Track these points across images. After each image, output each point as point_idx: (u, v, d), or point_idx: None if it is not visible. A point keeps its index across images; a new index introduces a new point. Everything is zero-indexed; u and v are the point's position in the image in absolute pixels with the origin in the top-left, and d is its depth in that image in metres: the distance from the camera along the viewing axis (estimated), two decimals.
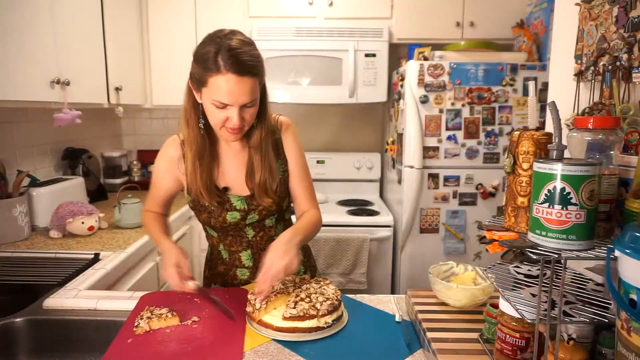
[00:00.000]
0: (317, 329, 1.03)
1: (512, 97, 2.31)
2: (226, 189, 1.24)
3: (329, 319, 1.05)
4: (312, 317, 1.03)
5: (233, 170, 1.25)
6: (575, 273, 0.96)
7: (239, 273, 1.32)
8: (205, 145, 1.19)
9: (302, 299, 1.07)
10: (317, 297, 1.07)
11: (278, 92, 2.68)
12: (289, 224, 1.36)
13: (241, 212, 1.24)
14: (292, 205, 1.35)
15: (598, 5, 1.13)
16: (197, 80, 1.08)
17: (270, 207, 1.24)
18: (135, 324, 1.05)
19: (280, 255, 1.06)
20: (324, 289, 1.13)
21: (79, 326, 1.16)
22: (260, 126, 1.18)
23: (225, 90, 1.04)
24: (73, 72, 1.87)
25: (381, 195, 3.05)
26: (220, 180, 1.24)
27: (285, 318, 1.03)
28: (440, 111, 2.32)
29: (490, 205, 2.40)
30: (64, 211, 1.82)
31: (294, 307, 1.04)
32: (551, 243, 0.73)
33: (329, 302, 1.06)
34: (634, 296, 0.63)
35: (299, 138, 1.31)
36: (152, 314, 1.07)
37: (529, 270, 0.95)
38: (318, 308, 1.04)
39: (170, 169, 1.27)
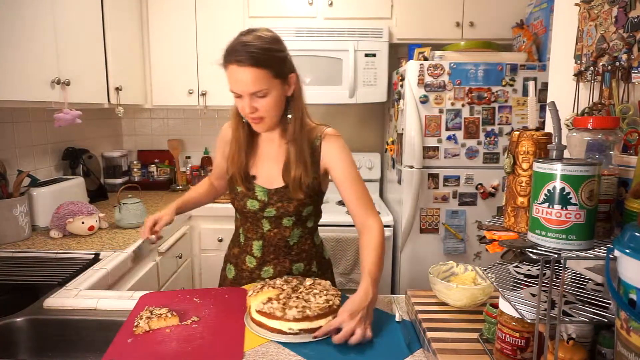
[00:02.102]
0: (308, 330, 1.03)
1: (512, 97, 2.31)
2: (254, 177, 1.31)
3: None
4: (307, 318, 1.03)
5: (268, 162, 1.31)
6: (575, 273, 0.96)
7: (247, 260, 1.36)
8: (244, 133, 1.29)
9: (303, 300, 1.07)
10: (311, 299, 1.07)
11: None
12: (307, 232, 1.35)
13: (261, 202, 1.30)
14: (314, 216, 1.36)
15: (598, 5, 1.14)
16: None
17: (288, 207, 1.28)
18: (135, 324, 1.05)
19: (356, 320, 1.01)
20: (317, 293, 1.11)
21: (79, 326, 1.16)
22: (295, 120, 1.25)
23: (231, 80, 1.15)
24: (73, 72, 1.87)
25: (381, 195, 3.05)
26: (252, 169, 1.32)
27: (296, 319, 1.02)
28: (440, 111, 2.32)
29: (490, 205, 2.40)
30: (64, 211, 1.82)
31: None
32: (551, 243, 0.73)
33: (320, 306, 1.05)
34: (633, 296, 0.63)
35: (348, 150, 1.30)
36: (151, 314, 1.07)
37: (528, 270, 0.95)
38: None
39: (221, 148, 1.41)
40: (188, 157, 3.17)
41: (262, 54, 1.13)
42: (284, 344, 1.00)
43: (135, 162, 3.00)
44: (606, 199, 0.81)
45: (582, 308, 0.79)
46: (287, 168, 1.27)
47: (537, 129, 0.87)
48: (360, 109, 3.11)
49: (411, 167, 2.35)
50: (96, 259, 1.56)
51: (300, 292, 1.11)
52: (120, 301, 1.22)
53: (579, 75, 1.21)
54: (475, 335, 0.95)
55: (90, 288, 1.33)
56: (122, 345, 0.99)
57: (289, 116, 1.24)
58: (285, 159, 1.28)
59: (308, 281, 1.18)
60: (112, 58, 2.27)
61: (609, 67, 1.08)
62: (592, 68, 1.15)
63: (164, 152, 3.10)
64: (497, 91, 2.30)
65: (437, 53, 2.39)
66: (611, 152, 0.85)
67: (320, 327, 1.03)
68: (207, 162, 3.10)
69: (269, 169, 1.31)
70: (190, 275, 2.50)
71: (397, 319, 1.12)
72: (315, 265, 1.39)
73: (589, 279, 0.92)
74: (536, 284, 0.85)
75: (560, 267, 0.78)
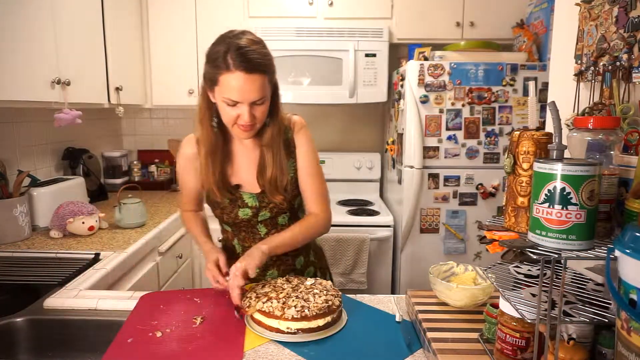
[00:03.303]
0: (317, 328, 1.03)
1: (512, 97, 2.31)
2: (238, 186, 1.26)
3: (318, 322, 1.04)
4: (307, 318, 1.03)
5: (245, 167, 1.27)
6: (575, 273, 0.96)
7: None
8: (217, 143, 1.22)
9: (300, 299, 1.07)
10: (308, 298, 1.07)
11: None
12: None
13: (252, 209, 1.26)
14: (302, 204, 1.36)
15: (598, 5, 1.14)
16: (210, 80, 1.12)
17: (281, 204, 1.25)
18: (247, 304, 1.07)
19: (242, 260, 1.15)
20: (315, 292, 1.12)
21: (79, 326, 1.16)
22: (272, 124, 1.21)
23: (235, 88, 1.07)
24: (73, 72, 1.87)
25: (381, 195, 3.05)
26: (233, 178, 1.27)
27: (295, 318, 1.03)
28: (441, 111, 2.32)
29: (491, 205, 2.40)
30: (65, 211, 1.82)
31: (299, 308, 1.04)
32: (551, 243, 0.73)
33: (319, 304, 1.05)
34: (633, 296, 0.63)
35: (313, 139, 1.32)
36: (256, 294, 1.10)
37: (529, 270, 0.95)
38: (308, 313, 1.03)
39: (190, 166, 1.30)
40: None
41: (266, 60, 1.10)
42: (284, 344, 1.00)
43: (135, 162, 3.00)
44: (607, 199, 0.81)
45: (583, 308, 0.79)
46: (262, 172, 1.23)
47: (538, 129, 0.86)
48: (360, 109, 3.11)
49: (411, 167, 2.35)
50: (96, 259, 1.56)
51: (301, 292, 1.11)
52: (120, 301, 1.22)
53: (579, 75, 1.21)
54: (475, 335, 0.95)
55: (90, 288, 1.33)
56: (123, 345, 0.99)
57: (267, 119, 1.19)
58: (259, 162, 1.24)
59: (309, 281, 1.18)
60: (112, 58, 2.27)
61: (610, 67, 1.08)
62: (592, 68, 1.15)
63: (164, 152, 3.10)
64: (497, 91, 2.30)
65: (438, 53, 2.39)
66: (612, 152, 0.84)
67: (318, 327, 1.04)
68: None
69: (249, 173, 1.26)
70: (190, 275, 2.50)
71: (397, 319, 1.12)
72: (312, 254, 1.38)
73: (590, 279, 0.92)
74: (536, 284, 0.85)
75: (561, 267, 0.77)
